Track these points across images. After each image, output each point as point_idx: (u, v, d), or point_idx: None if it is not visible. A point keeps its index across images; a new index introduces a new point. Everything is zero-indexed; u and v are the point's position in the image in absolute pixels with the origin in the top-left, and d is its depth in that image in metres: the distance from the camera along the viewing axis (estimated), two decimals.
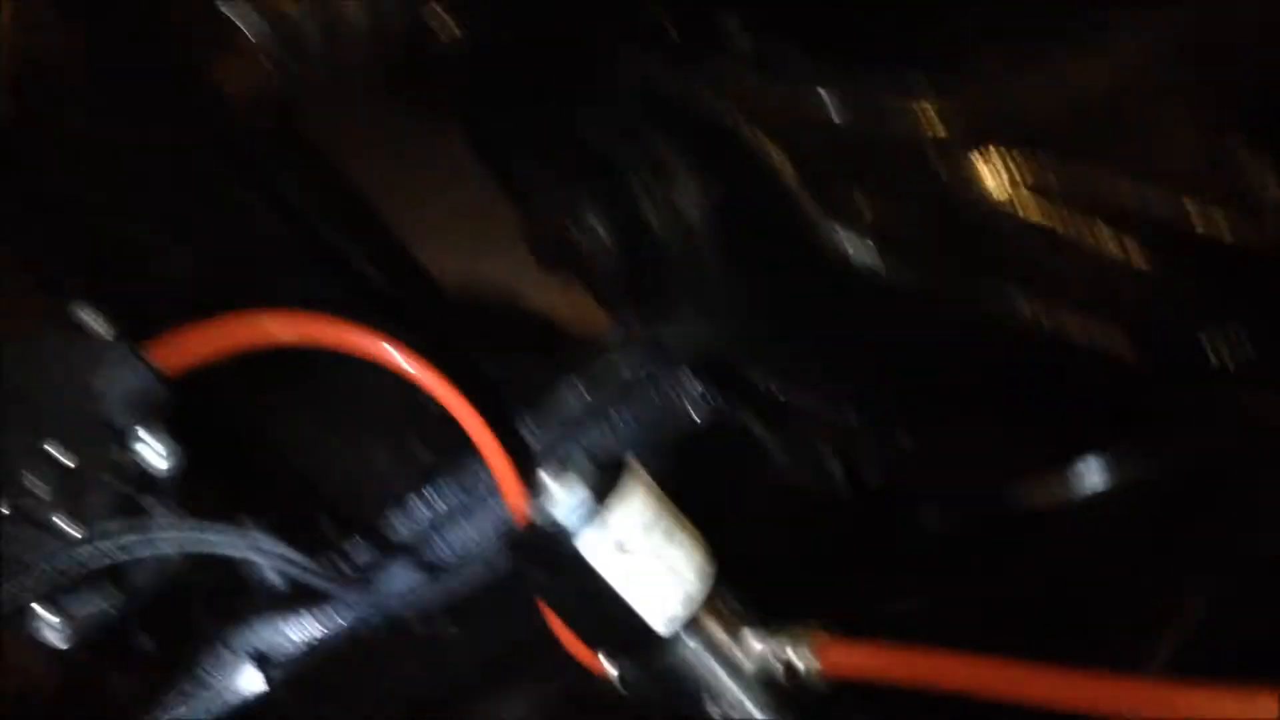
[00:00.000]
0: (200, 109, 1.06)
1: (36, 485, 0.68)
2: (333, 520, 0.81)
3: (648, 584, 0.54)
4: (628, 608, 0.54)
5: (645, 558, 0.54)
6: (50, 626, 0.69)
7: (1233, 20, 0.66)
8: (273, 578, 0.76)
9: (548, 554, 0.55)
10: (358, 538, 0.77)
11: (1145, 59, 0.65)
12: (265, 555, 0.67)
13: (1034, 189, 0.64)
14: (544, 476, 0.55)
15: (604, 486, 0.55)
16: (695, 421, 0.79)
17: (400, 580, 0.75)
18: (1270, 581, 0.47)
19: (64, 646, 0.69)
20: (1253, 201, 0.63)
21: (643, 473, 0.56)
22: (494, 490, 0.75)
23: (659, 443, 0.78)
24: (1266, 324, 0.59)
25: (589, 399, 0.80)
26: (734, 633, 0.55)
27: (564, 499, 0.54)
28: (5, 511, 0.67)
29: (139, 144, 1.06)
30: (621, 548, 0.54)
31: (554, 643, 0.63)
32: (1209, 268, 0.62)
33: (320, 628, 0.74)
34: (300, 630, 0.74)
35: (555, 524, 0.54)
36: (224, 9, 1.02)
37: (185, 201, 1.06)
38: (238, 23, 1.03)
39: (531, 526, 0.56)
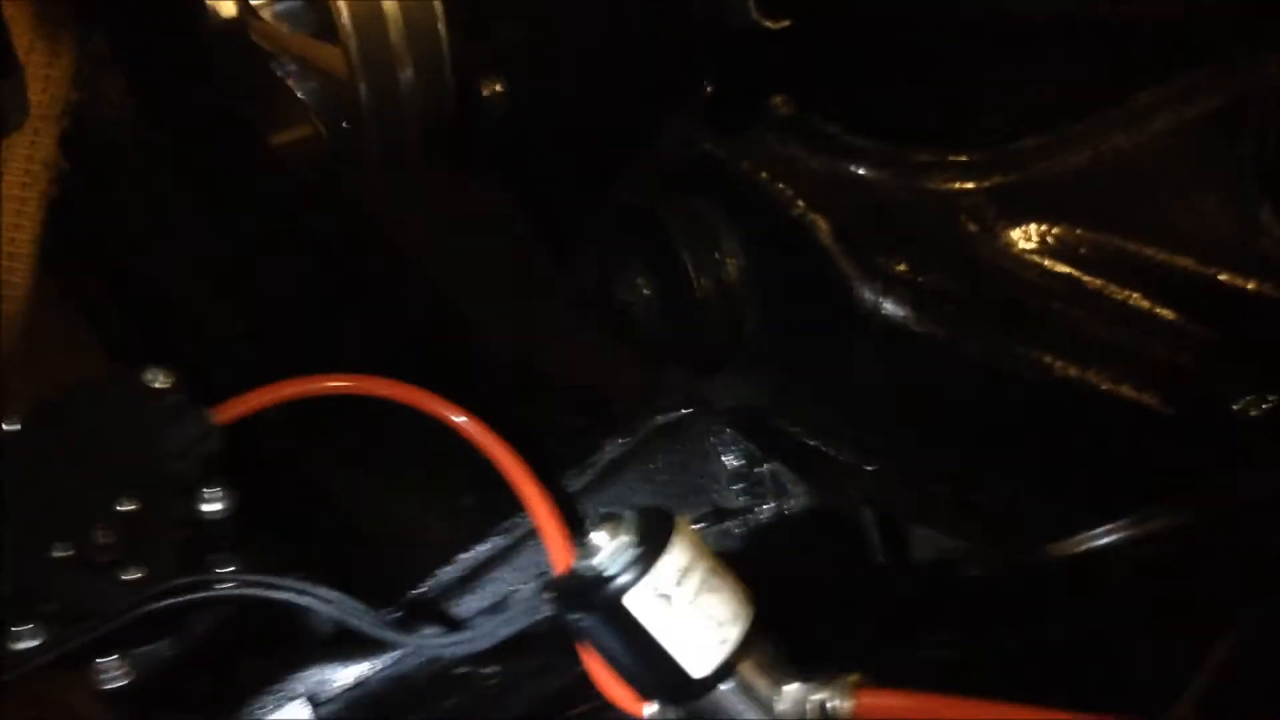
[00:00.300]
0: (252, 170, 1.10)
1: (103, 535, 0.71)
2: (378, 565, 0.83)
3: (686, 630, 0.56)
4: (666, 653, 0.56)
5: (684, 605, 0.56)
6: (109, 670, 0.72)
7: (1253, 84, 0.68)
8: (320, 621, 0.79)
9: (589, 599, 0.57)
10: (402, 583, 0.80)
11: (1170, 126, 0.67)
12: (318, 602, 0.70)
13: (1064, 250, 0.66)
14: (589, 524, 0.57)
15: (646, 535, 0.57)
16: (727, 465, 0.81)
17: (442, 624, 0.77)
18: None
19: (121, 687, 0.71)
20: (1277, 261, 0.65)
21: (685, 523, 0.58)
22: (534, 536, 0.77)
23: (697, 494, 0.80)
24: None
25: (628, 449, 0.83)
26: (770, 678, 0.57)
27: (607, 546, 0.56)
28: (72, 559, 0.70)
29: (193, 205, 1.10)
30: (661, 594, 0.56)
31: (592, 688, 0.65)
32: (1234, 323, 0.63)
33: (365, 669, 0.76)
34: (346, 672, 0.76)
35: (597, 570, 0.56)
36: (277, 70, 1.06)
37: (238, 264, 1.10)
38: (290, 84, 1.07)
39: (574, 573, 0.58)
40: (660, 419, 0.84)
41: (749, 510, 0.82)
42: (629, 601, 0.55)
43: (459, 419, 0.78)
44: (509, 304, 1.04)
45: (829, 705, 0.54)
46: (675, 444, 0.84)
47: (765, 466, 0.81)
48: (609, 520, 0.57)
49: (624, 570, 0.56)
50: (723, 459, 0.83)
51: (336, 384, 0.81)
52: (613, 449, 0.84)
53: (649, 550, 0.56)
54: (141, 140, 1.09)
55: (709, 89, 0.80)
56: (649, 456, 0.84)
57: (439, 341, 1.04)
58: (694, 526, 0.79)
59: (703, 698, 0.56)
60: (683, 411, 0.84)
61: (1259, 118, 0.68)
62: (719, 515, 0.82)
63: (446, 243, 1.12)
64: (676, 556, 0.56)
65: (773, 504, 0.81)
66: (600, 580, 0.56)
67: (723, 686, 0.56)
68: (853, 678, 0.54)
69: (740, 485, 0.82)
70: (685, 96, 0.80)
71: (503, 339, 1.05)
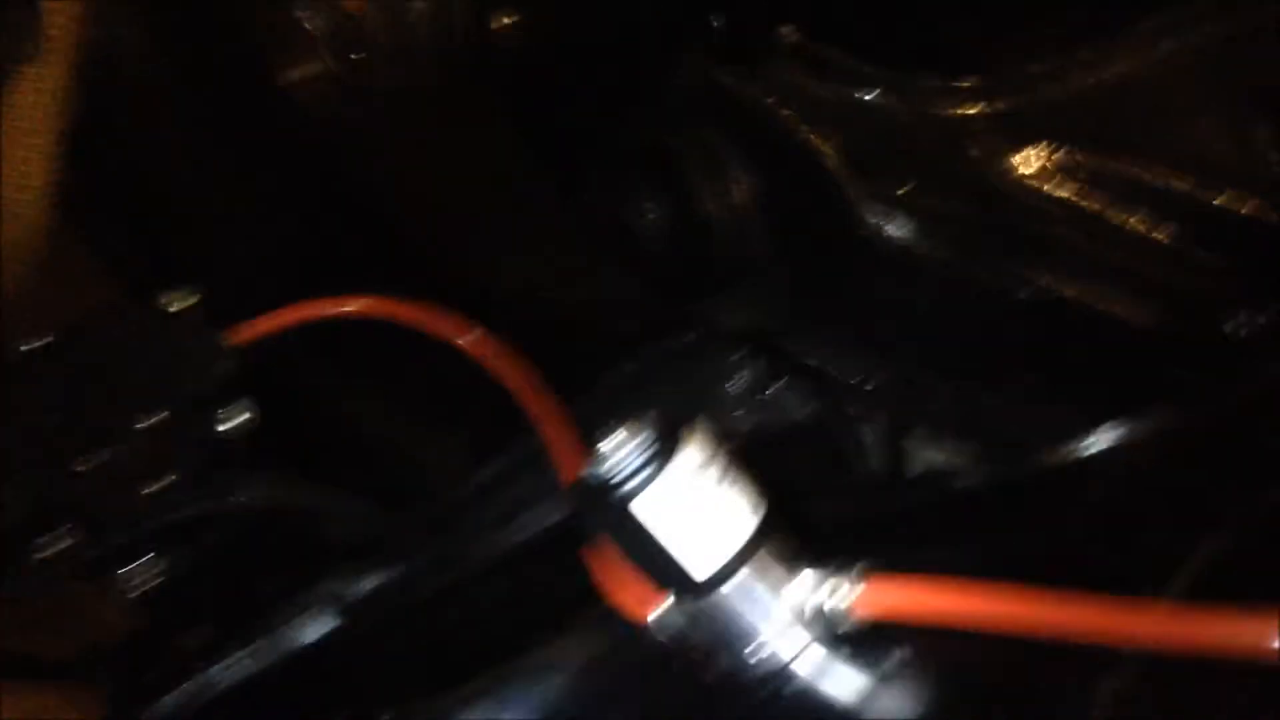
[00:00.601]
0: (267, 105, 1.11)
1: (125, 451, 0.73)
2: (391, 484, 0.85)
3: (693, 532, 0.58)
4: (669, 556, 0.58)
5: (693, 507, 0.58)
6: (131, 579, 0.74)
7: (1257, 12, 0.69)
8: (335, 535, 0.81)
9: (599, 506, 0.58)
10: (417, 494, 0.82)
11: (1174, 52, 0.69)
12: (332, 507, 0.72)
13: (1065, 174, 0.68)
14: (602, 433, 0.59)
15: (659, 444, 0.59)
16: (736, 387, 0.83)
17: (455, 537, 0.79)
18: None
19: (143, 595, 0.73)
20: (1274, 187, 0.66)
21: (702, 428, 0.59)
22: (543, 455, 0.79)
23: (701, 408, 0.82)
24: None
25: (637, 374, 0.84)
26: (776, 577, 0.58)
27: (619, 453, 0.58)
28: (94, 472, 0.72)
29: (210, 139, 1.11)
30: (670, 498, 0.57)
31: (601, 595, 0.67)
32: (1230, 244, 0.65)
33: (378, 580, 0.78)
34: (360, 583, 0.78)
35: (609, 475, 0.58)
36: (294, 9, 1.06)
37: (253, 196, 1.11)
38: (305, 22, 1.08)
39: (587, 477, 0.59)
40: (669, 344, 0.86)
41: (755, 432, 0.84)
42: (638, 507, 0.57)
43: (468, 336, 0.79)
44: (518, 236, 1.05)
45: (840, 590, 0.56)
46: (683, 368, 0.85)
47: (771, 389, 0.83)
48: (622, 426, 0.59)
49: (634, 475, 0.57)
50: (731, 381, 0.85)
51: (348, 307, 0.82)
52: (623, 373, 0.86)
53: (659, 457, 0.57)
54: (153, 72, 1.10)
55: (717, 23, 0.81)
56: (657, 380, 0.85)
57: (449, 273, 1.05)
58: None
59: (708, 596, 0.58)
60: (691, 337, 0.86)
61: (1261, 45, 0.70)
62: (726, 437, 0.84)
63: (455, 176, 1.13)
64: (689, 460, 0.58)
65: (778, 425, 0.82)
66: (609, 486, 0.58)
67: (731, 585, 0.58)
68: (859, 566, 0.56)
69: (746, 408, 0.84)
70: (695, 29, 0.81)
71: (512, 269, 1.06)
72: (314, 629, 0.75)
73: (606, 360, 0.87)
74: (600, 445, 0.59)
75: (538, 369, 0.80)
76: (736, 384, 0.84)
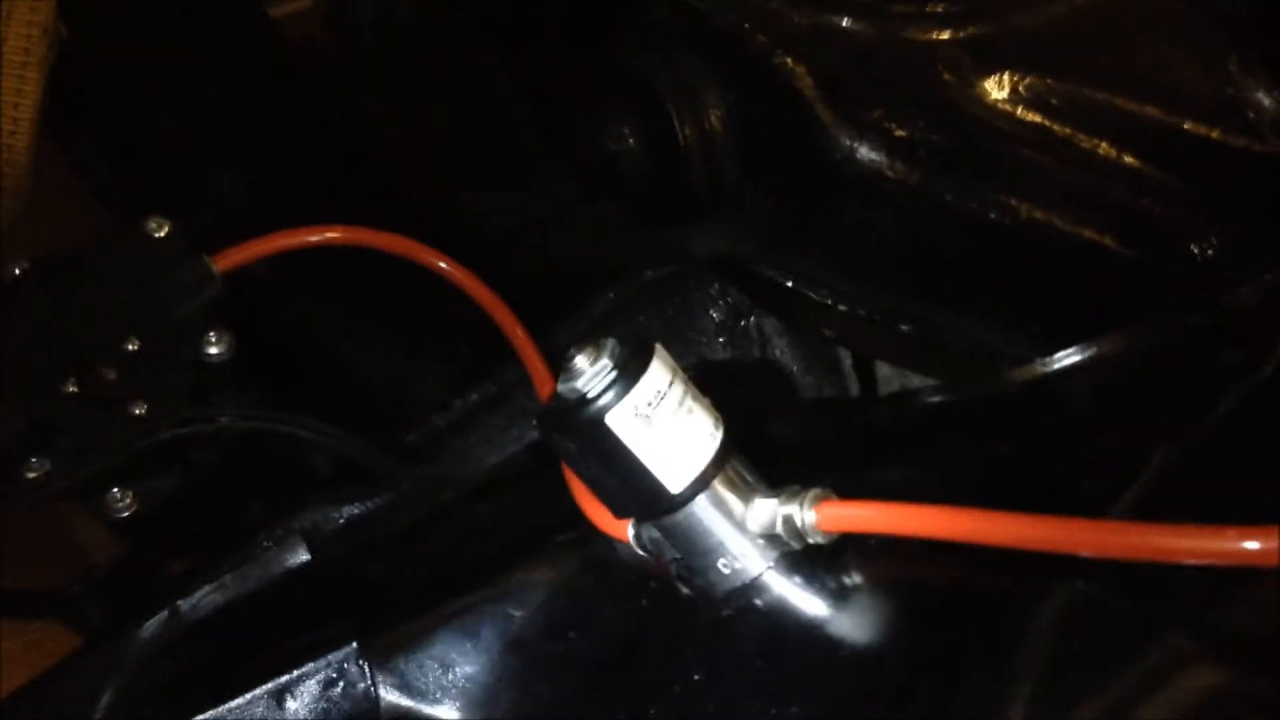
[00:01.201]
0: (256, 39, 1.11)
1: (110, 373, 0.74)
2: (374, 410, 0.86)
3: (663, 448, 0.59)
4: (645, 469, 0.59)
5: (661, 424, 0.59)
6: (117, 500, 0.75)
7: None
8: (317, 462, 0.82)
9: (572, 421, 0.60)
10: (397, 425, 0.83)
11: None
12: (314, 434, 0.73)
13: (1035, 100, 0.68)
14: (572, 352, 0.60)
15: (626, 361, 0.60)
16: (713, 318, 0.84)
17: (436, 463, 0.81)
18: (1226, 442, 0.51)
19: (127, 518, 0.75)
20: (1242, 111, 0.67)
21: (662, 350, 0.61)
22: (524, 384, 0.80)
23: (680, 338, 0.83)
24: (1245, 222, 0.63)
25: (617, 304, 0.85)
26: (741, 493, 0.60)
27: (587, 369, 0.59)
28: (81, 394, 0.73)
29: (199, 73, 1.11)
30: (639, 414, 0.59)
31: (578, 518, 0.68)
32: (1197, 168, 0.66)
33: (360, 508, 0.79)
34: (343, 509, 0.80)
35: (579, 393, 0.59)
36: None
37: (241, 129, 1.12)
38: None
39: (558, 396, 0.60)
40: (649, 274, 0.87)
41: (735, 362, 0.85)
42: (610, 420, 0.58)
43: (444, 265, 0.80)
44: (500, 166, 1.06)
45: (796, 517, 0.58)
46: (663, 299, 0.86)
47: (750, 319, 0.84)
48: (590, 345, 0.60)
49: (604, 391, 0.58)
50: (709, 312, 0.86)
51: (331, 234, 0.83)
52: (602, 303, 0.87)
53: (628, 372, 0.58)
54: (141, 4, 1.10)
55: None
56: (638, 310, 0.86)
57: (432, 203, 1.06)
58: None
59: (677, 512, 0.60)
60: (671, 268, 0.87)
61: None
62: (706, 366, 0.85)
63: (439, 112, 1.13)
64: (654, 378, 0.59)
65: (757, 354, 0.84)
66: (582, 401, 0.59)
67: (698, 500, 0.59)
68: (816, 491, 0.58)
69: (726, 337, 0.85)
70: None
71: (496, 204, 1.07)
72: (295, 555, 0.77)
73: (589, 290, 0.88)
74: (574, 360, 0.60)
75: (520, 299, 0.81)
76: (717, 312, 0.86)
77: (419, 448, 0.83)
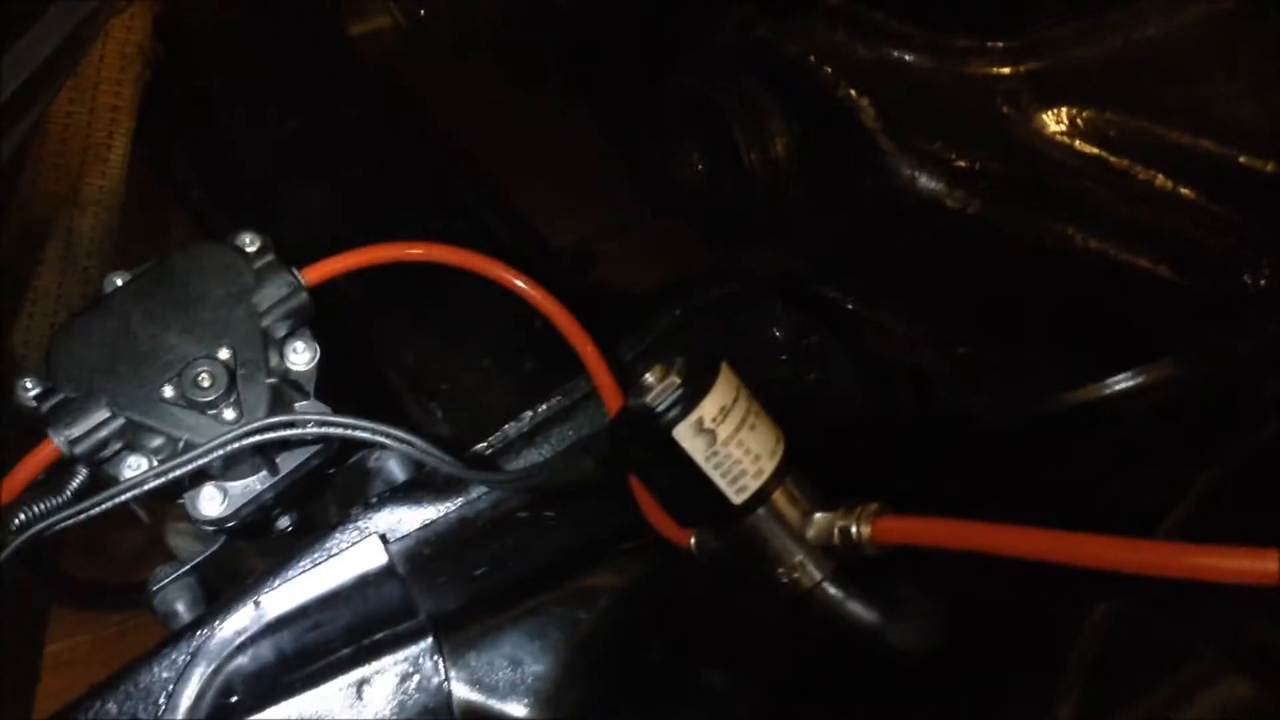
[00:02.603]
0: (337, 58, 1.15)
1: (205, 379, 0.78)
2: (448, 422, 0.89)
3: (726, 462, 0.62)
4: (709, 481, 0.62)
5: (724, 439, 0.62)
6: (210, 498, 0.79)
7: None
8: (393, 468, 0.86)
9: (640, 434, 0.63)
10: (470, 438, 0.86)
11: (1200, 16, 0.71)
12: (393, 440, 0.76)
13: (1093, 132, 0.71)
14: (642, 368, 0.63)
15: (693, 378, 0.63)
16: (777, 336, 0.86)
17: (507, 471, 0.84)
18: (1268, 468, 0.53)
19: (216, 515, 0.79)
20: None
21: (727, 368, 0.64)
22: (593, 397, 0.83)
23: (744, 354, 0.86)
24: None
25: (683, 320, 0.88)
26: (799, 507, 0.63)
27: (656, 386, 0.62)
28: (176, 398, 0.77)
29: (283, 90, 1.16)
30: (704, 429, 0.62)
31: (643, 526, 0.71)
32: (1251, 201, 0.68)
33: (433, 512, 0.83)
34: (416, 513, 0.83)
35: (648, 408, 0.62)
36: None
37: (318, 146, 1.16)
38: None
39: (627, 410, 0.64)
40: (716, 292, 0.89)
41: (795, 378, 0.87)
42: (677, 434, 0.61)
43: (520, 283, 0.83)
44: (574, 188, 1.09)
45: (852, 530, 0.60)
46: (728, 316, 0.89)
47: (811, 338, 0.87)
48: (660, 362, 0.63)
49: (672, 406, 0.62)
50: (773, 330, 0.88)
51: (413, 251, 0.87)
52: (669, 319, 0.89)
53: (695, 389, 0.62)
54: (230, 26, 1.15)
55: None
56: (703, 327, 0.89)
57: (504, 225, 1.09)
58: None
59: (739, 523, 0.63)
60: (736, 286, 0.90)
61: None
62: (768, 382, 0.88)
63: (513, 134, 1.17)
64: (719, 395, 0.62)
65: (818, 371, 0.86)
66: (651, 415, 0.62)
67: (759, 512, 0.62)
68: (873, 506, 0.60)
69: (788, 355, 0.87)
70: None
71: (565, 223, 1.10)
72: (372, 556, 0.80)
73: (656, 307, 0.91)
74: (645, 377, 0.63)
75: (589, 314, 0.84)
76: (780, 330, 0.88)
77: (490, 456, 0.87)
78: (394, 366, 0.98)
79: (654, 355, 0.86)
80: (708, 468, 0.62)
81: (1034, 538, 0.53)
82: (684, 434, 0.62)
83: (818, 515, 0.62)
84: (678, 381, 0.62)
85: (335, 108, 1.16)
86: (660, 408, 0.62)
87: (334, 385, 0.84)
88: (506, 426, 0.88)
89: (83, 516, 0.73)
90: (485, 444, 0.88)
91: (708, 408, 0.62)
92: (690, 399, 0.62)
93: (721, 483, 0.62)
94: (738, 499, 0.62)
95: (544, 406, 0.88)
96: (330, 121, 1.15)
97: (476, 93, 1.15)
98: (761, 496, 0.62)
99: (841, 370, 0.85)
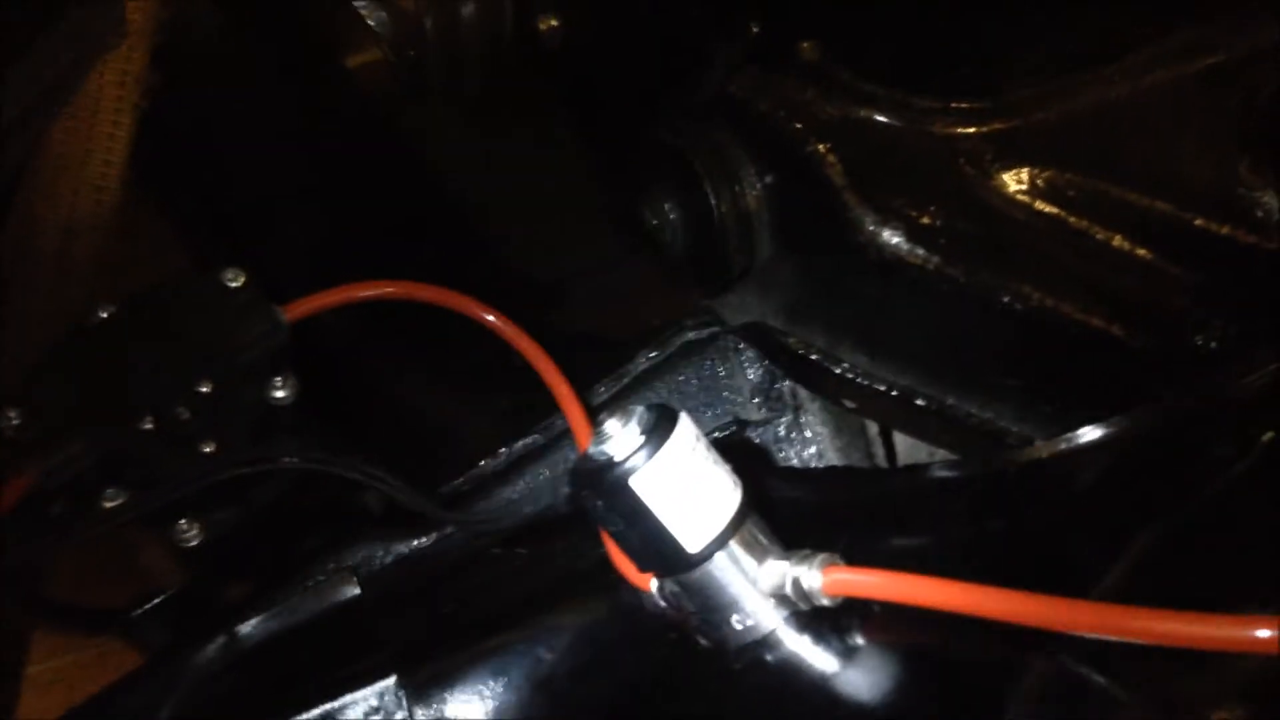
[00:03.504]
0: (327, 94, 1.17)
1: (183, 412, 0.79)
2: (423, 458, 0.91)
3: (683, 510, 0.63)
4: (665, 530, 0.64)
5: (682, 488, 0.63)
6: (185, 530, 0.80)
7: (1248, 44, 0.74)
8: (369, 502, 0.88)
9: (599, 481, 0.64)
10: (445, 474, 0.88)
11: (1162, 81, 0.73)
12: (368, 478, 0.78)
13: (1052, 193, 0.72)
14: (604, 417, 0.65)
15: (652, 428, 0.64)
16: (749, 379, 0.87)
17: (480, 509, 0.86)
18: (1204, 527, 0.55)
19: (194, 547, 0.80)
20: (1250, 210, 0.71)
21: (686, 419, 0.65)
22: (567, 436, 0.85)
23: (717, 397, 0.88)
24: (1250, 316, 0.67)
25: (658, 362, 0.90)
26: (756, 554, 0.64)
27: (617, 434, 0.64)
28: (156, 431, 0.79)
29: (274, 120, 1.17)
30: (662, 478, 0.63)
31: (608, 567, 0.73)
32: (1205, 265, 0.69)
33: (408, 547, 0.84)
34: (391, 548, 0.84)
35: (607, 455, 0.64)
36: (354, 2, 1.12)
37: (311, 179, 1.17)
38: (363, 14, 1.14)
39: (588, 457, 0.65)
40: (690, 335, 0.91)
41: (768, 421, 0.89)
42: (635, 483, 0.63)
43: (491, 319, 0.85)
44: (554, 230, 1.10)
45: (803, 580, 0.62)
46: (702, 359, 0.90)
47: (785, 382, 0.88)
48: (621, 412, 0.65)
49: (630, 455, 0.63)
50: (746, 374, 0.90)
51: (387, 289, 0.89)
52: (643, 361, 0.91)
53: (654, 439, 0.63)
54: (226, 56, 1.17)
55: (754, 29, 0.86)
56: (677, 369, 0.90)
57: (486, 261, 1.11)
58: (717, 434, 0.88)
59: (695, 570, 0.64)
60: (711, 329, 0.91)
61: (1250, 76, 0.74)
62: (741, 425, 0.89)
63: (498, 171, 1.18)
64: (678, 445, 0.63)
65: (789, 416, 0.88)
66: (610, 463, 0.64)
67: (715, 559, 0.64)
68: (824, 556, 0.62)
69: (760, 398, 0.89)
70: (730, 37, 0.86)
71: (546, 262, 1.11)
72: (345, 589, 0.82)
73: (630, 348, 0.92)
74: (604, 425, 0.65)
75: (564, 356, 0.86)
76: (754, 373, 0.90)
77: (465, 493, 0.88)
78: (373, 400, 0.99)
79: (624, 398, 0.88)
80: (664, 516, 0.64)
81: (976, 594, 0.54)
82: (641, 483, 0.63)
83: (771, 562, 0.64)
84: (637, 430, 0.64)
85: (327, 141, 1.17)
86: (618, 457, 0.64)
87: (313, 419, 0.86)
88: (482, 463, 0.89)
89: (60, 546, 0.75)
90: (462, 479, 0.90)
91: (665, 457, 0.63)
92: (648, 449, 0.63)
93: (677, 531, 0.64)
94: (693, 548, 0.64)
95: (520, 444, 0.89)
96: (326, 153, 1.17)
97: (464, 130, 1.16)
98: (717, 544, 0.64)
99: (813, 414, 0.87)
